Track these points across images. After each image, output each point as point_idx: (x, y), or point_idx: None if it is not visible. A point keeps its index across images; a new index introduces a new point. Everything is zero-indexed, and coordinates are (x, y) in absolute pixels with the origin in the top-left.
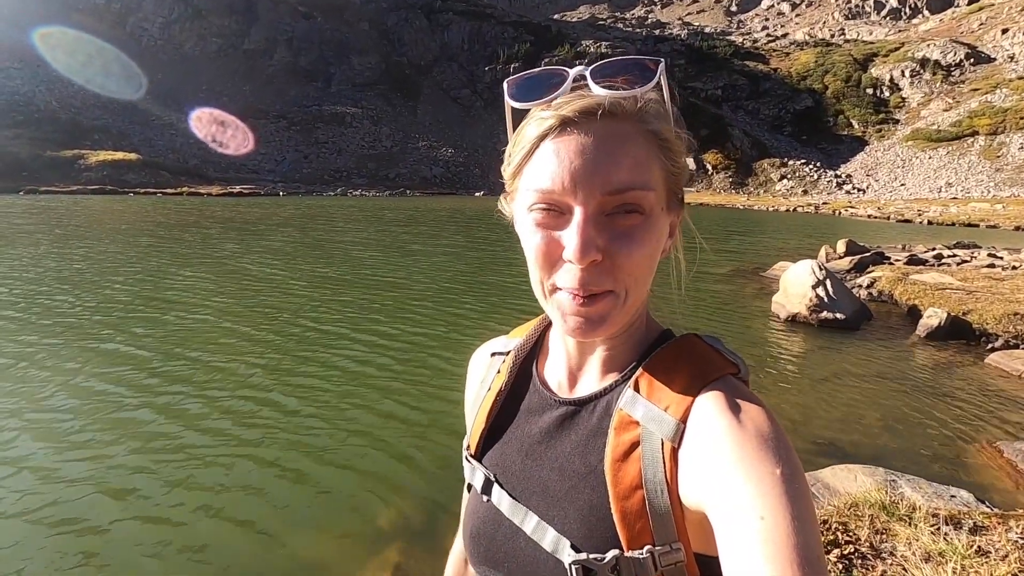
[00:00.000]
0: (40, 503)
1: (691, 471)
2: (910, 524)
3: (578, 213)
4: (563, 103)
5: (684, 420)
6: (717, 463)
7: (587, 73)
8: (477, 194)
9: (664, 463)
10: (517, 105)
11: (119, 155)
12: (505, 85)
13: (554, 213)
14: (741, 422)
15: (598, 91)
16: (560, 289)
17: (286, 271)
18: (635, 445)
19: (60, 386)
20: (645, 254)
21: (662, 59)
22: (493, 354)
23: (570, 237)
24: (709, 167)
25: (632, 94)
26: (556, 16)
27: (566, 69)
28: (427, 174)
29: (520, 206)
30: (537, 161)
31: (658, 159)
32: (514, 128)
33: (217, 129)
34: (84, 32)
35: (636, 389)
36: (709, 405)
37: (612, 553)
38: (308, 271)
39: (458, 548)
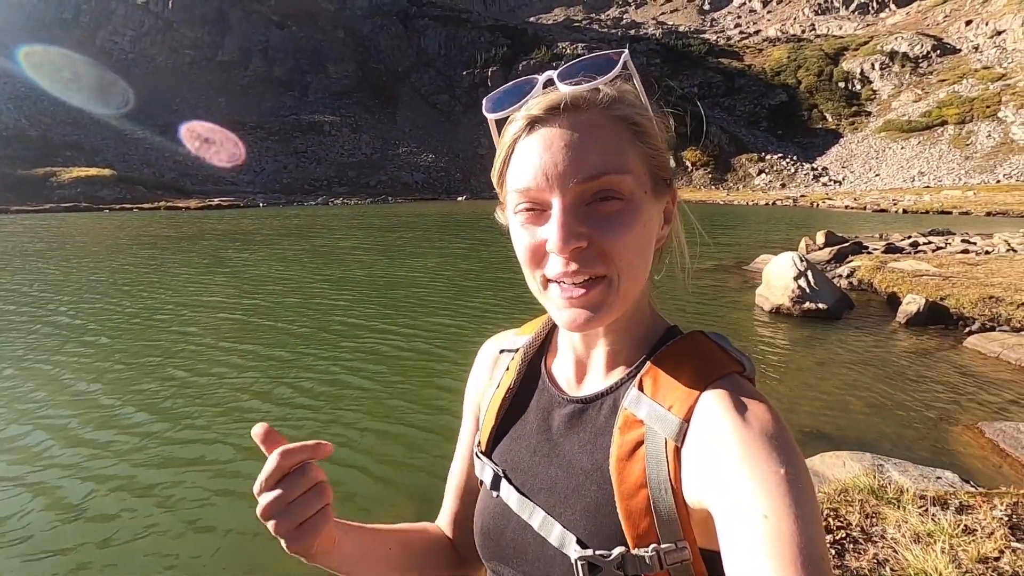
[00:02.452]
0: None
1: (695, 469)
2: (899, 507)
3: (556, 206)
4: (531, 105)
5: (687, 419)
6: (721, 461)
7: (555, 76)
8: (460, 199)
9: (668, 462)
10: (493, 116)
11: (93, 171)
12: (484, 101)
13: (536, 211)
14: (746, 420)
15: (565, 89)
16: (552, 281)
17: (302, 275)
18: (639, 444)
19: (129, 380)
20: (632, 238)
21: (626, 50)
22: (502, 351)
23: (550, 230)
24: (688, 164)
25: (592, 85)
26: (531, 19)
27: (537, 76)
28: (408, 180)
29: (509, 212)
30: (514, 164)
31: (632, 144)
32: None
33: (203, 145)
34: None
35: (640, 388)
36: (713, 403)
37: (618, 550)
38: (324, 274)
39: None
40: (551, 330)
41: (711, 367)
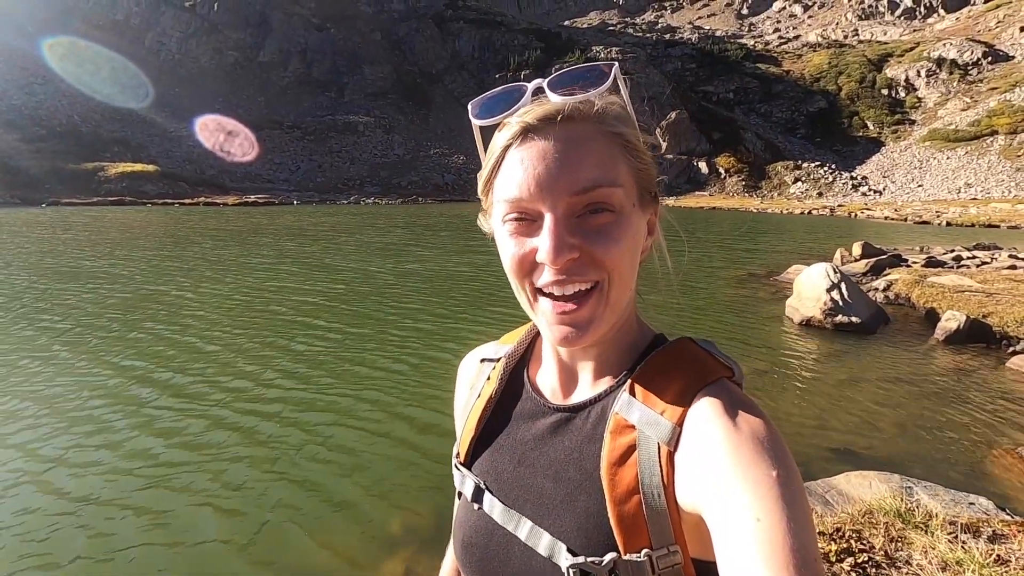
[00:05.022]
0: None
1: (688, 474)
2: (926, 532)
3: (548, 217)
4: (524, 112)
5: (680, 424)
6: (714, 466)
7: (544, 84)
8: None
9: (661, 467)
10: (480, 122)
11: (138, 167)
12: (469, 107)
13: (526, 221)
14: (737, 425)
15: (556, 99)
16: (542, 293)
17: (364, 267)
18: (631, 449)
19: (248, 348)
20: (622, 249)
21: (615, 62)
22: (483, 360)
23: (542, 241)
24: (722, 170)
25: (587, 97)
26: (566, 23)
27: (525, 84)
28: (439, 181)
29: (496, 220)
30: (504, 172)
31: (623, 157)
32: (485, 149)
33: (225, 138)
34: (107, 49)
35: (632, 393)
36: (705, 408)
37: (610, 556)
38: (384, 267)
39: (451, 557)
40: (534, 339)
41: (702, 372)
